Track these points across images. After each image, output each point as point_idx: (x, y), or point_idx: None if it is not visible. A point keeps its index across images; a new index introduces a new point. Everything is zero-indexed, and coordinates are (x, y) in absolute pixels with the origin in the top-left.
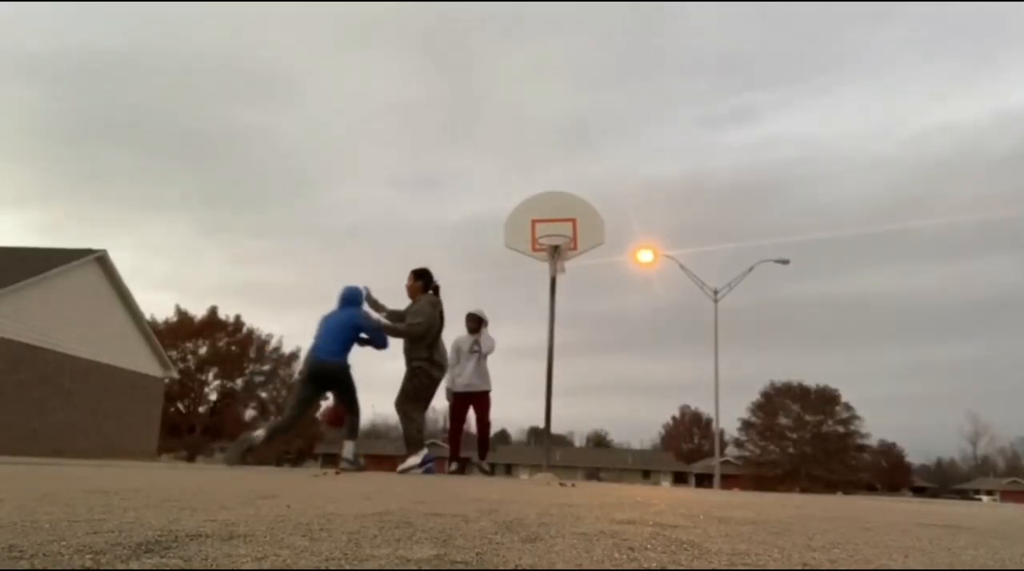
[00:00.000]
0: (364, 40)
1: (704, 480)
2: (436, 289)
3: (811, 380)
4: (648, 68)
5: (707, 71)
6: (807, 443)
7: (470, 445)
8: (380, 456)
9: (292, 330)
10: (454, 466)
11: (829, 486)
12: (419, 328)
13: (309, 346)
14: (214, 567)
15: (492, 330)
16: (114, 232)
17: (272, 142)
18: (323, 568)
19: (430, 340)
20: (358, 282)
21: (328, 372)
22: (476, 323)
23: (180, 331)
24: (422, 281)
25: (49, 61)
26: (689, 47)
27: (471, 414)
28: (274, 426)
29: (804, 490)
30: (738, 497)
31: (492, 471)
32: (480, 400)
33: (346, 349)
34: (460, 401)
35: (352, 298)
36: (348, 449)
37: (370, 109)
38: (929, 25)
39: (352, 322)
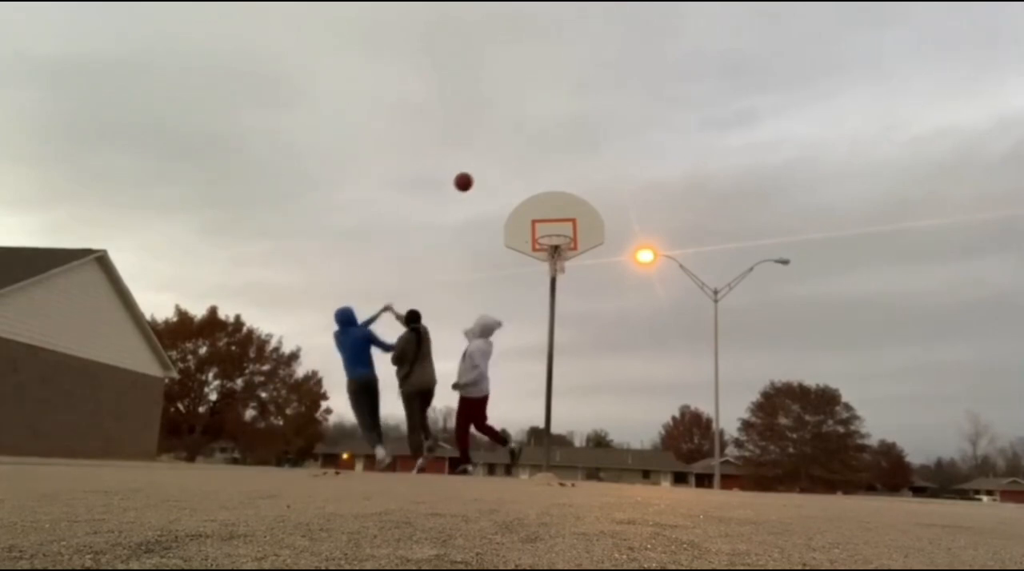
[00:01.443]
0: (366, 42)
1: (704, 480)
2: (415, 328)
3: (811, 380)
4: (651, 71)
5: (710, 74)
6: (807, 443)
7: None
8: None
9: (292, 330)
10: (459, 467)
11: (829, 486)
12: (393, 356)
13: (344, 367)
14: (214, 567)
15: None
16: (116, 233)
17: (274, 144)
18: (323, 568)
19: (406, 363)
20: (348, 303)
21: (366, 384)
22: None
23: (180, 331)
24: (406, 322)
25: (52, 64)
26: (692, 50)
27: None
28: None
29: (804, 490)
30: (738, 497)
31: (506, 442)
32: (464, 404)
33: (371, 363)
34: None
35: (348, 318)
36: (379, 453)
37: (372, 111)
38: (930, 30)
39: (366, 338)
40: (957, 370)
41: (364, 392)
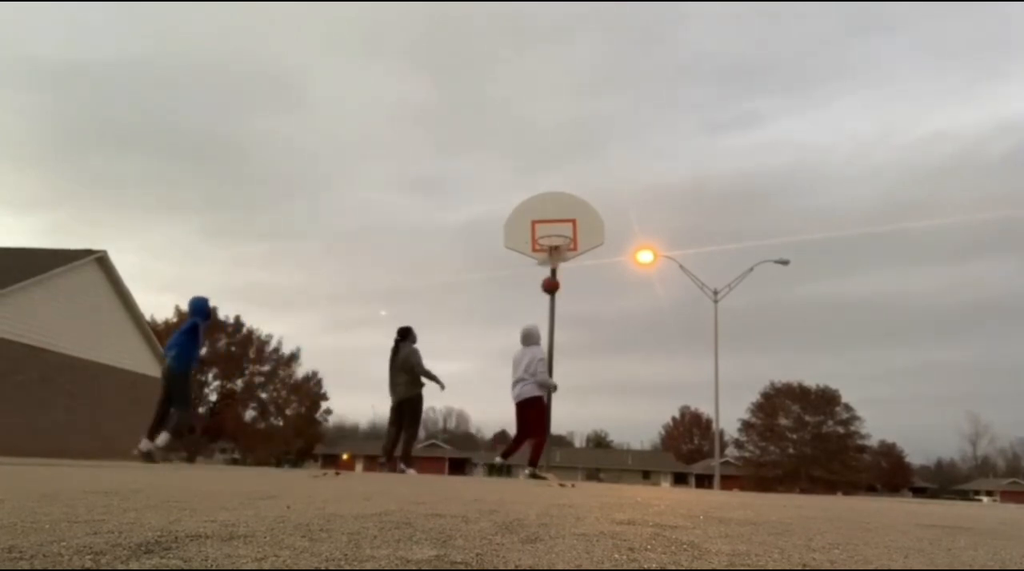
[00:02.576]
0: (366, 44)
1: (704, 481)
2: (396, 341)
3: (811, 380)
4: (653, 73)
5: (712, 77)
6: (807, 444)
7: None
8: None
9: (292, 331)
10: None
11: (829, 487)
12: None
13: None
14: (214, 567)
15: (490, 332)
16: (117, 234)
17: (275, 145)
18: (323, 569)
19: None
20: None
21: (166, 373)
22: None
23: None
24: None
25: (54, 66)
26: (694, 53)
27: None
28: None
29: (804, 491)
30: (738, 498)
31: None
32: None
33: (182, 353)
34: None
35: (197, 309)
36: (163, 438)
37: (372, 112)
38: (931, 35)
39: (192, 330)
40: (957, 370)
41: (164, 378)
